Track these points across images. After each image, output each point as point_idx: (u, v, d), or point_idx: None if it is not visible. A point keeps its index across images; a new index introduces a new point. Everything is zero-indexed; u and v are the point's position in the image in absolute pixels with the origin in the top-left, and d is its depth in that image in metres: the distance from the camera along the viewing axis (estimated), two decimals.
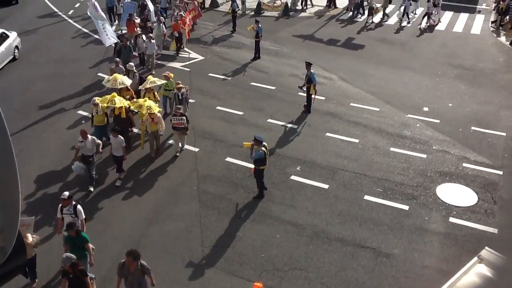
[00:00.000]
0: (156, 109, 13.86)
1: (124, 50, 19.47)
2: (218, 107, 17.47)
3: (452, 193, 12.75)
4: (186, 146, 14.94)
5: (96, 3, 19.49)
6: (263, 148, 11.95)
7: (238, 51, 23.42)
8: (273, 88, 19.12)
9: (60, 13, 30.08)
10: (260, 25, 21.70)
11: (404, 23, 28.22)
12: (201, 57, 22.41)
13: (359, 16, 29.57)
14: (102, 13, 20.15)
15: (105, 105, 13.92)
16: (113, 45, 20.63)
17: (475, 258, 7.42)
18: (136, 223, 11.76)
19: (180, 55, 22.45)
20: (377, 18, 28.86)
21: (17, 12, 30.05)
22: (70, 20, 28.46)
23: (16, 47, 22.41)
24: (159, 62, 21.37)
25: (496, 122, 16.52)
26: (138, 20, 23.47)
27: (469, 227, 11.58)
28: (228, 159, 14.29)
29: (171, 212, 12.13)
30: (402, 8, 28.69)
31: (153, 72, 19.77)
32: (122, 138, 12.86)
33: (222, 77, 20.27)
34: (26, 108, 17.44)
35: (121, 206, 12.39)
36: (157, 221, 11.82)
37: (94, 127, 14.30)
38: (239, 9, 27.91)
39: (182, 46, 22.95)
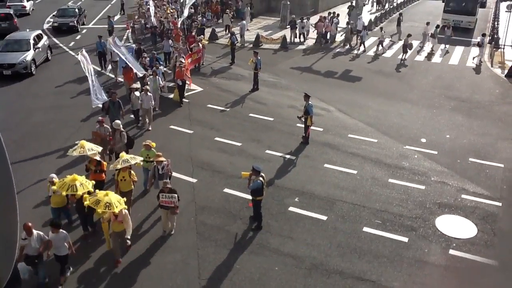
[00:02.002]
0: (120, 205, 10.71)
1: (113, 107, 17.03)
2: (217, 138, 17.52)
3: (451, 225, 12.66)
4: (184, 177, 14.90)
5: (85, 55, 17.74)
6: (261, 179, 11.92)
7: (237, 83, 23.66)
8: (272, 119, 19.23)
9: (61, 44, 30.54)
10: (259, 57, 22.01)
11: (360, 51, 29.42)
12: (200, 89, 22.63)
13: (325, 43, 30.91)
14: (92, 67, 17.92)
15: (64, 193, 11.31)
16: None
17: None
18: (132, 253, 11.60)
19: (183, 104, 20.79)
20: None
21: None
22: (71, 52, 28.85)
23: (49, 47, 27.58)
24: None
25: (494, 154, 16.56)
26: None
27: (469, 259, 11.44)
28: (226, 190, 14.23)
29: (168, 244, 11.99)
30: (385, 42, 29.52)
31: (150, 129, 18.14)
32: (66, 233, 10.40)
33: (221, 108, 20.41)
34: (25, 139, 17.47)
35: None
36: (153, 252, 11.67)
37: (51, 208, 11.97)
38: (238, 42, 28.36)
39: (183, 97, 20.90)
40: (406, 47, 27.44)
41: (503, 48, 29.24)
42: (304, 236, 12.24)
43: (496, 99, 21.95)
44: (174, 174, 14.91)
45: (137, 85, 19.57)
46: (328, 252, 11.65)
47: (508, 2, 35.04)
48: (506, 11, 32.01)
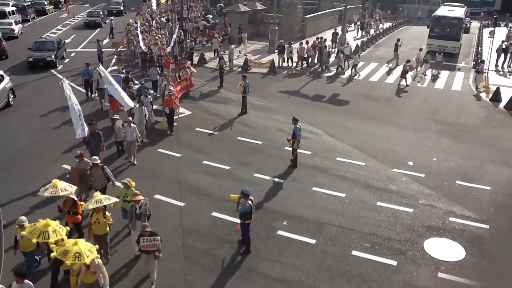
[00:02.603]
0: (92, 254, 9.51)
1: (92, 139, 15.91)
2: (205, 162, 17.46)
3: (440, 248, 12.65)
4: (172, 201, 14.77)
5: (69, 87, 16.04)
6: (250, 202, 11.86)
7: (225, 106, 23.74)
8: (260, 142, 19.25)
9: (50, 69, 30.45)
10: (247, 81, 22.16)
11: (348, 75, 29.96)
12: (188, 112, 22.65)
13: (306, 67, 31.53)
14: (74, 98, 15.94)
15: (35, 240, 10.09)
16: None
17: None
18: (119, 278, 11.37)
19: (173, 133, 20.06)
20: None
21: (6, 66, 30.38)
22: (58, 75, 28.76)
23: (12, 90, 23.79)
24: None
25: (480, 176, 16.70)
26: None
27: (458, 282, 11.41)
28: (214, 213, 14.12)
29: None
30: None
31: (135, 163, 17.16)
32: (31, 284, 9.40)
33: (209, 131, 20.42)
34: (11, 160, 17.28)
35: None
36: (140, 277, 11.45)
37: (21, 252, 11.05)
38: (226, 66, 28.59)
39: (172, 125, 20.20)
40: (405, 72, 27.70)
41: (487, 73, 29.78)
42: (293, 260, 12.13)
43: (482, 123, 22.26)
44: (162, 198, 14.90)
45: (117, 116, 18.07)
46: (317, 276, 11.54)
47: (491, 28, 35.83)
48: (489, 37, 32.69)
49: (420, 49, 31.53)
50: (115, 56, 31.55)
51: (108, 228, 11.64)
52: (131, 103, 18.83)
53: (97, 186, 13.60)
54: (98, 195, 11.47)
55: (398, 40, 33.56)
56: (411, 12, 61.41)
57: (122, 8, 56.86)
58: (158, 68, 26.23)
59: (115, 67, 29.45)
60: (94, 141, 15.96)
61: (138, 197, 11.87)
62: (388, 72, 31.04)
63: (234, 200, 12.19)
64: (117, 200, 11.93)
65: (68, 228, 11.04)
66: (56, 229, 10.22)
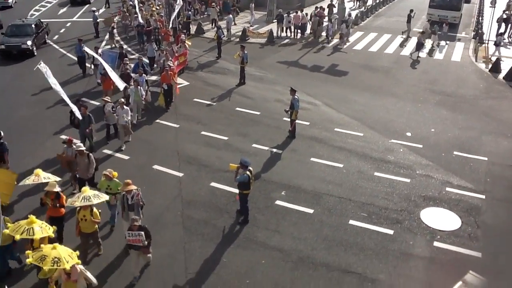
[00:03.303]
0: (72, 260, 8.75)
1: (82, 123, 15.14)
2: (203, 132, 17.46)
3: (436, 218, 12.80)
4: (170, 171, 14.84)
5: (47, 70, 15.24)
6: (248, 173, 11.92)
7: (223, 77, 23.58)
8: (258, 113, 19.22)
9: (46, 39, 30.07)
10: (245, 52, 21.94)
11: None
12: (186, 83, 22.50)
13: (300, 36, 31.22)
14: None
15: (18, 236, 9.24)
16: (69, 113, 15.75)
17: (460, 283, 7.43)
18: (118, 248, 11.52)
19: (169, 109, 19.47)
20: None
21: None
22: (55, 45, 28.54)
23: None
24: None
25: (478, 147, 16.74)
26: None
27: (453, 251, 11.59)
28: (213, 184, 14.21)
29: (154, 239, 11.81)
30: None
31: (123, 149, 16.22)
32: None
33: (207, 102, 20.34)
34: (9, 134, 17.20)
35: (103, 231, 12.16)
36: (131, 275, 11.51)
37: None
38: (224, 36, 28.24)
39: (171, 101, 19.77)
40: (421, 45, 27.26)
41: (487, 43, 29.52)
42: (291, 229, 12.28)
43: (481, 94, 22.18)
44: (161, 168, 14.99)
45: (108, 98, 17.19)
46: (314, 245, 11.71)
47: None
48: (490, 7, 32.21)
49: (428, 20, 31.01)
50: (108, 33, 29.67)
51: (96, 226, 10.96)
52: (121, 85, 17.89)
53: (83, 176, 12.97)
54: (86, 190, 10.59)
55: (412, 11, 32.63)
56: None
57: None
58: (153, 44, 25.15)
59: (108, 46, 28.11)
60: (84, 123, 15.15)
61: (130, 187, 11.06)
62: (402, 44, 30.40)
63: (233, 170, 12.25)
64: (107, 198, 11.09)
65: (55, 227, 10.22)
66: (42, 226, 9.59)
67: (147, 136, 17.17)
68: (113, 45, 27.86)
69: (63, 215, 11.45)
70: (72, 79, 23.05)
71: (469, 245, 11.78)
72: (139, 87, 17.77)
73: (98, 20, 30.68)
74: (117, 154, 15.85)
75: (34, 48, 26.50)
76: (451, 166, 15.45)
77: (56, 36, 30.51)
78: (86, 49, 20.37)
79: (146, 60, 23.49)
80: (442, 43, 30.16)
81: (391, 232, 12.18)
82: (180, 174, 14.76)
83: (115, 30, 29.32)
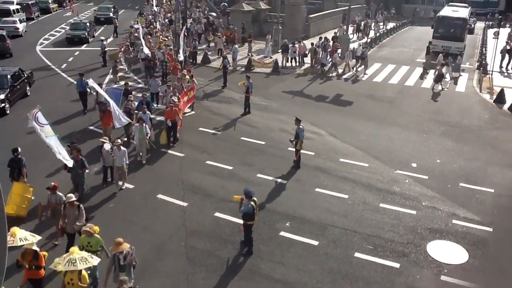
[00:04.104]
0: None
1: (75, 165, 13.89)
2: (208, 162, 17.46)
3: (443, 251, 12.62)
4: (175, 201, 14.80)
5: (37, 114, 13.64)
6: (252, 203, 11.86)
7: (228, 106, 23.74)
8: (263, 143, 19.25)
9: (53, 66, 30.59)
10: (250, 81, 22.15)
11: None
12: (191, 112, 22.63)
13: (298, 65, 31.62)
14: (49, 127, 13.90)
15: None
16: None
17: None
18: None
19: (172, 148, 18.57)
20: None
21: (11, 64, 30.36)
22: (63, 74, 28.88)
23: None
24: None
25: (484, 179, 16.64)
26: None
27: (461, 285, 11.38)
28: (217, 214, 14.13)
29: (157, 269, 11.82)
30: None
31: (123, 187, 15.39)
32: None
33: (212, 131, 20.42)
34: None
35: (106, 259, 12.04)
36: (142, 277, 11.45)
37: None
38: (230, 65, 28.57)
39: (174, 141, 18.83)
40: (441, 76, 27.14)
41: (491, 74, 29.68)
42: (295, 261, 12.13)
43: (485, 124, 22.19)
44: (165, 197, 14.96)
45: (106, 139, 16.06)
46: (319, 278, 11.54)
47: (495, 29, 35.70)
48: (493, 38, 32.54)
49: (442, 53, 31.03)
50: (112, 67, 27.48)
51: None
52: (123, 121, 17.14)
53: (70, 230, 11.77)
54: (74, 251, 9.21)
55: (430, 42, 32.91)
56: (427, 13, 61.22)
57: (111, 14, 48.08)
58: (158, 79, 23.98)
59: (115, 85, 25.54)
60: (77, 166, 13.92)
61: (122, 247, 9.95)
62: (422, 76, 30.32)
63: (237, 201, 12.20)
64: (96, 262, 9.53)
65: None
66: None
67: (151, 164, 17.19)
68: (117, 81, 26.48)
69: (42, 277, 10.21)
70: (72, 116, 21.83)
71: (477, 279, 11.58)
72: (144, 125, 16.87)
73: (105, 50, 31.16)
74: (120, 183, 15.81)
75: (7, 105, 21.94)
76: (457, 198, 15.33)
77: (65, 65, 30.93)
78: (90, 82, 18.71)
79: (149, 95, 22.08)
80: (456, 74, 30.07)
81: (397, 265, 12.01)
82: (185, 204, 14.70)
83: (119, 66, 28.47)
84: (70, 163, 13.72)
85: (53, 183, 12.69)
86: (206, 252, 12.46)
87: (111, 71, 27.73)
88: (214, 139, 19.71)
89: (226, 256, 12.30)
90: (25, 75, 25.09)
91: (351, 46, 33.63)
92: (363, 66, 30.58)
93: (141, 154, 17.33)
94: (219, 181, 16.16)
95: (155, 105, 21.84)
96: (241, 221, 12.39)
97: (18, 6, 45.99)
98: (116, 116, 17.03)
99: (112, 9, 50.11)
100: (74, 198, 11.96)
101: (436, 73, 27.67)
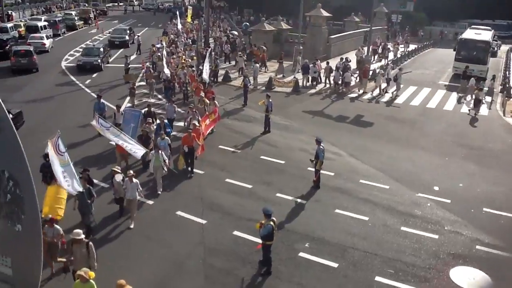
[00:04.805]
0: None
1: (81, 196, 12.96)
2: (227, 180, 17.45)
3: (466, 277, 12.30)
4: (194, 218, 14.78)
5: (58, 142, 12.78)
6: (271, 223, 11.77)
7: (248, 125, 23.80)
8: (283, 162, 19.19)
9: (77, 82, 31.13)
10: (270, 100, 22.22)
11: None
12: (211, 133, 22.63)
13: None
14: (66, 156, 12.85)
15: None
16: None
17: None
18: None
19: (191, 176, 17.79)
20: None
21: (37, 79, 31.19)
22: (86, 89, 29.35)
23: None
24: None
25: (508, 204, 16.26)
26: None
27: None
28: (236, 232, 14.05)
29: (175, 286, 11.76)
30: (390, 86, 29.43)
31: (131, 227, 14.17)
32: None
33: (232, 149, 20.45)
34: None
35: (123, 275, 11.95)
36: None
37: None
38: (250, 84, 28.72)
39: (193, 166, 17.88)
40: (479, 101, 26.55)
41: None
42: (314, 283, 11.95)
43: (509, 148, 21.80)
44: (184, 214, 14.93)
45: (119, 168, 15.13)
46: None
47: None
48: None
49: (474, 77, 30.38)
50: (128, 90, 25.95)
51: None
52: (140, 152, 15.86)
53: (78, 269, 10.34)
54: None
55: (467, 67, 32.62)
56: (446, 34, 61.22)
57: (127, 38, 46.29)
58: (174, 105, 22.63)
59: (130, 104, 25.55)
60: (84, 199, 13.07)
61: None
62: (459, 100, 29.74)
63: (258, 229, 12.04)
64: None
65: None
66: None
67: (170, 182, 17.22)
68: (133, 104, 25.07)
69: None
70: (87, 140, 20.66)
71: None
72: (160, 152, 16.15)
73: (129, 66, 31.68)
74: (140, 199, 15.82)
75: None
76: (481, 223, 15.00)
77: (88, 81, 31.47)
78: (95, 124, 16.62)
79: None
80: (488, 99, 29.41)
81: None
82: (203, 221, 14.66)
83: (136, 88, 26.41)
84: (73, 192, 12.73)
85: (50, 216, 12.13)
86: (224, 270, 12.36)
87: (128, 95, 26.09)
88: (233, 157, 19.73)
89: (244, 276, 12.18)
90: (15, 113, 21.02)
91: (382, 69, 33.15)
92: (395, 87, 30.15)
93: (141, 193, 14.87)
94: (238, 199, 16.11)
95: (170, 132, 19.64)
96: (259, 241, 12.27)
97: (46, 23, 47.30)
98: (130, 150, 15.74)
99: (128, 31, 47.90)
100: (82, 236, 10.82)
101: (473, 97, 26.89)
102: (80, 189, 12.72)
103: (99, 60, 34.41)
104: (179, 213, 15.08)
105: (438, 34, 61.47)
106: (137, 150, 15.73)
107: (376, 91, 30.41)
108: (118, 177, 14.41)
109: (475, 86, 28.29)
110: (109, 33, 50.85)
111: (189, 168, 17.82)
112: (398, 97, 29.80)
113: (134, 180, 14.21)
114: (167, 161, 16.55)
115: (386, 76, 30.50)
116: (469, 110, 27.13)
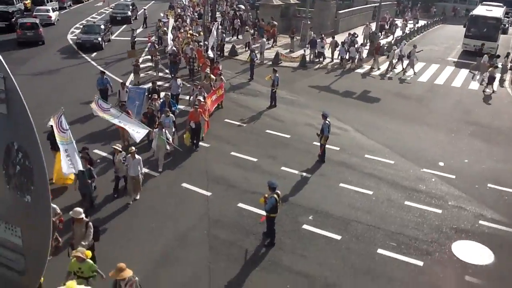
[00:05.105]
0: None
1: (81, 176, 13.03)
2: (233, 153, 17.52)
3: (468, 251, 12.40)
4: (199, 190, 14.90)
5: (61, 119, 13.12)
6: (275, 195, 11.86)
7: (254, 99, 23.75)
8: (288, 136, 19.20)
9: (83, 55, 31.05)
10: (277, 75, 22.09)
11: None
12: (219, 108, 22.57)
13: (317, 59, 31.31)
14: (68, 133, 13.11)
15: None
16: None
17: None
18: (143, 265, 11.52)
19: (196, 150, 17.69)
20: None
21: (43, 52, 31.11)
22: (93, 62, 29.30)
23: None
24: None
25: None
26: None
27: (485, 287, 11.17)
28: (240, 205, 14.17)
29: (180, 256, 11.94)
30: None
31: (137, 198, 14.26)
32: None
33: (238, 123, 20.46)
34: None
35: (129, 246, 12.23)
36: (164, 264, 11.62)
37: None
38: (257, 59, 28.53)
39: (198, 141, 17.84)
40: (493, 79, 26.23)
41: None
42: (317, 255, 12.09)
43: None
44: (189, 186, 15.06)
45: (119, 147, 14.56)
46: (340, 272, 11.48)
47: None
48: None
49: (487, 54, 29.96)
50: (132, 66, 25.05)
51: None
52: (141, 133, 15.47)
53: (79, 247, 10.27)
54: (72, 286, 7.91)
55: (483, 44, 32.00)
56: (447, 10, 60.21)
57: (129, 13, 44.10)
58: (179, 80, 22.06)
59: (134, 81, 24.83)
60: (84, 177, 13.05)
61: (124, 274, 8.88)
62: (473, 78, 29.07)
63: (262, 203, 12.14)
64: None
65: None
66: None
67: (177, 154, 17.30)
68: (137, 82, 24.43)
69: None
70: (92, 116, 18.60)
71: (502, 282, 11.34)
72: (164, 129, 15.84)
73: (135, 40, 31.50)
74: (147, 170, 15.91)
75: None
76: (485, 199, 15.03)
77: (95, 54, 31.39)
78: (94, 106, 15.97)
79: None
80: (498, 76, 28.83)
81: (420, 263, 11.85)
82: (208, 193, 14.79)
83: (139, 65, 25.70)
84: (73, 170, 12.86)
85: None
86: (228, 242, 12.52)
87: (132, 72, 25.32)
88: (239, 131, 19.75)
89: (248, 247, 12.34)
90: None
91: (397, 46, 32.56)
92: (406, 63, 29.70)
93: (143, 171, 14.46)
94: (243, 172, 16.20)
95: (177, 109, 19.57)
96: (263, 213, 12.39)
97: None
98: (132, 132, 15.35)
99: (131, 7, 45.44)
100: (82, 215, 10.65)
101: (487, 75, 26.52)
102: (81, 167, 12.87)
103: (99, 38, 32.51)
104: (184, 185, 15.21)
105: (451, 10, 60.46)
106: (139, 131, 15.34)
107: (385, 67, 30.05)
108: (121, 156, 14.12)
109: (488, 64, 27.91)
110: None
111: (194, 143, 17.75)
112: (410, 74, 29.37)
113: (137, 156, 13.90)
114: (170, 139, 16.28)
115: (399, 53, 30.05)
116: (484, 88, 26.69)
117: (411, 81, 28.28)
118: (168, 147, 16.21)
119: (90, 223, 10.74)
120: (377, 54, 30.52)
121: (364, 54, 32.25)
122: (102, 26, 34.55)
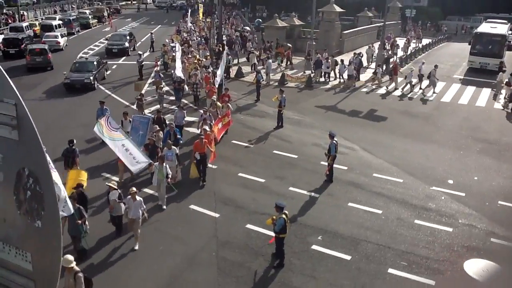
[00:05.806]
0: None
1: (70, 218, 11.72)
2: (240, 174, 17.51)
3: (481, 269, 12.21)
4: (207, 212, 14.87)
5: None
6: (284, 216, 11.80)
7: (261, 120, 23.83)
8: (296, 156, 19.19)
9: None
10: (283, 95, 22.20)
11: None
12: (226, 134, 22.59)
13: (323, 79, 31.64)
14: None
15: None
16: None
17: None
18: (150, 286, 11.49)
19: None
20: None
21: (51, 77, 31.47)
22: (101, 87, 29.58)
23: None
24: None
25: None
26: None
27: None
28: (249, 226, 14.10)
29: (188, 279, 11.85)
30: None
31: (136, 248, 12.85)
32: None
33: (245, 144, 20.50)
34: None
35: (137, 270, 12.17)
36: (173, 287, 11.52)
37: None
38: (263, 80, 28.72)
39: (205, 174, 16.76)
40: None
41: None
42: (327, 275, 11.96)
43: None
44: (197, 208, 15.03)
45: (115, 184, 13.94)
46: None
47: None
48: None
49: (503, 71, 29.86)
50: (136, 100, 23.00)
51: None
52: (141, 165, 14.67)
53: None
54: None
55: (502, 62, 32.04)
56: (452, 28, 60.63)
57: (126, 44, 40.16)
58: (184, 111, 21.20)
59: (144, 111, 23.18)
60: (74, 220, 11.76)
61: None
62: (495, 97, 28.97)
63: (270, 225, 12.11)
64: None
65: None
66: None
67: (184, 176, 17.32)
68: (143, 113, 22.09)
69: None
70: (96, 146, 19.57)
71: None
72: (164, 164, 14.76)
73: (142, 64, 31.84)
74: (150, 191, 15.84)
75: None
76: (496, 216, 14.86)
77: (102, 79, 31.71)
78: (97, 130, 15.15)
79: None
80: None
81: (432, 282, 11.68)
82: (216, 215, 14.75)
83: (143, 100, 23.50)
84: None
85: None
86: (237, 263, 12.43)
87: (135, 105, 23.36)
88: (246, 152, 19.78)
89: (257, 268, 12.24)
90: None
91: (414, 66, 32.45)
92: (427, 83, 29.57)
93: (145, 211, 13.36)
94: (251, 193, 16.17)
95: (181, 141, 18.61)
96: (272, 234, 12.31)
97: (60, 22, 47.74)
98: (131, 161, 14.48)
99: (128, 37, 41.83)
100: (73, 264, 9.43)
101: (510, 93, 26.28)
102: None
103: (91, 77, 28.15)
104: (192, 207, 15.19)
105: (461, 28, 61.01)
106: (140, 161, 14.51)
107: (407, 87, 29.63)
108: (114, 195, 13.08)
109: (505, 80, 27.64)
110: (121, 31, 50.74)
111: (201, 176, 16.66)
112: (430, 93, 29.14)
113: (138, 198, 12.83)
114: (170, 175, 15.10)
115: (418, 72, 29.98)
116: (503, 106, 26.45)
117: (415, 99, 28.27)
118: (167, 182, 15.02)
119: (80, 275, 9.36)
120: (395, 75, 30.37)
121: (369, 74, 32.36)
122: (95, 63, 30.16)
